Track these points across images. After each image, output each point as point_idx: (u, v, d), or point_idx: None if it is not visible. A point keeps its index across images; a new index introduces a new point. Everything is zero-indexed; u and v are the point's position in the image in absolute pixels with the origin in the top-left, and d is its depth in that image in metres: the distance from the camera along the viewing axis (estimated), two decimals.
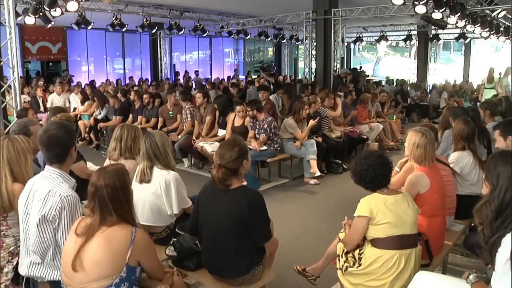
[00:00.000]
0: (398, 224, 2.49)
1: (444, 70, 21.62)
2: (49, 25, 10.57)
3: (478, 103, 8.70)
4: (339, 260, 2.75)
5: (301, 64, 18.49)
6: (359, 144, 7.77)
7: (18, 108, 6.10)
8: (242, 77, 19.93)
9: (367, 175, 2.56)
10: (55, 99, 10.38)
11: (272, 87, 10.38)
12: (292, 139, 6.39)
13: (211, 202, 2.61)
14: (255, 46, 23.74)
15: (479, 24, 11.18)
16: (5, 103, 6.32)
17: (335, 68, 12.28)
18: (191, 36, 17.79)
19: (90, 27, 12.15)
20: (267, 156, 6.07)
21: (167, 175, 3.03)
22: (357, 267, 2.59)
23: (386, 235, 2.49)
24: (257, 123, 6.16)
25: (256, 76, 17.39)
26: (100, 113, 8.88)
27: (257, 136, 6.12)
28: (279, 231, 2.86)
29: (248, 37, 17.12)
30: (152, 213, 3.06)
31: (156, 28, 14.86)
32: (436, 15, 9.43)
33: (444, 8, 8.73)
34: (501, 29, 13.13)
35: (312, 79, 12.08)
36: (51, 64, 16.15)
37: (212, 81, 16.03)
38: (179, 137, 7.19)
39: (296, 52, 23.91)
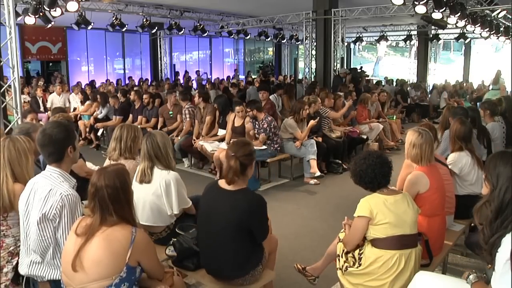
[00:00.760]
0: (398, 224, 2.49)
1: (444, 70, 21.60)
2: (49, 25, 10.56)
3: (478, 103, 8.69)
4: (339, 260, 2.75)
5: (301, 64, 18.51)
6: (359, 144, 7.77)
7: (18, 108, 6.10)
8: (242, 77, 19.92)
9: (366, 175, 2.56)
10: (55, 99, 10.39)
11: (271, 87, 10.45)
12: (292, 139, 6.39)
13: (213, 202, 2.62)
14: (255, 46, 23.74)
15: (479, 24, 11.17)
16: (5, 103, 6.32)
17: (335, 68, 12.28)
18: (191, 36, 17.79)
19: (90, 27, 12.14)
20: (267, 156, 6.07)
21: (167, 175, 3.03)
22: (357, 267, 2.59)
23: (386, 235, 2.49)
24: (257, 123, 6.16)
25: (256, 76, 17.40)
26: (101, 112, 8.88)
27: (257, 136, 6.12)
28: (279, 231, 2.86)
29: (248, 37, 17.11)
30: (152, 213, 3.06)
31: (156, 28, 14.85)
32: (436, 15, 9.43)
33: (444, 8, 8.72)
34: (501, 29, 13.12)
35: (312, 79, 12.09)
36: (51, 64, 16.14)
37: (212, 81, 16.03)
38: (179, 138, 7.19)
39: (296, 52, 23.90)
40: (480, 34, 13.98)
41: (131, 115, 8.32)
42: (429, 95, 14.08)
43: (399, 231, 2.49)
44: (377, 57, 27.31)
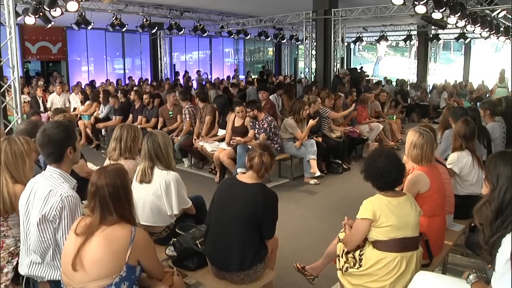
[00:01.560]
0: (401, 227, 2.48)
1: (444, 70, 21.60)
2: (49, 25, 10.56)
3: (478, 103, 8.70)
4: (339, 260, 2.74)
5: (301, 64, 18.52)
6: (359, 144, 7.78)
7: (18, 108, 6.11)
8: (242, 77, 19.92)
9: (389, 176, 2.52)
10: (55, 99, 10.39)
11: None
12: (292, 139, 6.39)
13: (229, 192, 2.72)
14: (255, 46, 23.73)
15: (479, 24, 11.18)
16: (5, 103, 6.32)
17: (335, 68, 12.29)
18: (191, 36, 17.78)
19: (90, 27, 12.14)
20: None
21: (167, 175, 3.04)
22: (357, 268, 2.58)
23: (388, 237, 2.48)
24: (257, 123, 6.16)
25: (256, 76, 17.40)
26: (103, 111, 8.88)
27: (257, 136, 6.12)
28: (279, 231, 2.87)
29: (248, 37, 17.12)
30: (152, 213, 3.06)
31: (156, 28, 14.85)
32: (436, 15, 9.44)
33: (444, 8, 8.73)
34: (501, 29, 13.12)
35: (312, 79, 12.09)
36: (51, 64, 16.13)
37: (212, 81, 16.03)
38: (179, 138, 7.19)
39: (296, 52, 23.91)
40: (480, 34, 13.99)
41: (131, 115, 8.32)
42: (429, 95, 14.07)
43: (401, 233, 2.48)
44: (377, 57, 27.31)
